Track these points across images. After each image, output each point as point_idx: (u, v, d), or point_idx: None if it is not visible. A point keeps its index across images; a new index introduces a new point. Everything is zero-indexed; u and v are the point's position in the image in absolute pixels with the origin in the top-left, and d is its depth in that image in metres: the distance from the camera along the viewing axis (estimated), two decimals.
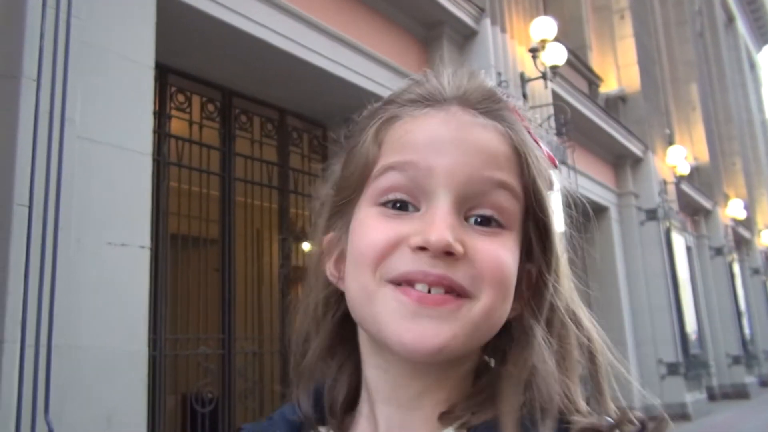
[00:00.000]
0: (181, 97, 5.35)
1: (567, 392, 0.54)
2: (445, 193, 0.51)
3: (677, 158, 12.47)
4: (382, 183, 0.53)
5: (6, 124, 2.98)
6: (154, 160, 4.26)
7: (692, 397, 11.02)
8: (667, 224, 11.54)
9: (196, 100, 5.51)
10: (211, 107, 5.64)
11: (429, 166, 0.51)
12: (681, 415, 10.57)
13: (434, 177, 0.51)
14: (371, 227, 0.52)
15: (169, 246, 5.16)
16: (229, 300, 5.60)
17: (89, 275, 3.56)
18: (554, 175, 0.62)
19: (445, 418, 0.51)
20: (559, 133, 8.15)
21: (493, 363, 0.55)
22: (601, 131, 10.53)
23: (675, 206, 12.13)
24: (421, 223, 0.50)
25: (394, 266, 0.50)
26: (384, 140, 0.54)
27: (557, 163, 0.66)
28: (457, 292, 0.50)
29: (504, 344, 0.56)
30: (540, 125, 7.80)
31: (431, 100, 0.55)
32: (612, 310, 10.76)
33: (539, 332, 0.54)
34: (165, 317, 4.92)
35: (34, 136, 3.01)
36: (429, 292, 0.49)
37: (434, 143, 0.52)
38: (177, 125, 5.35)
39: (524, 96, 7.68)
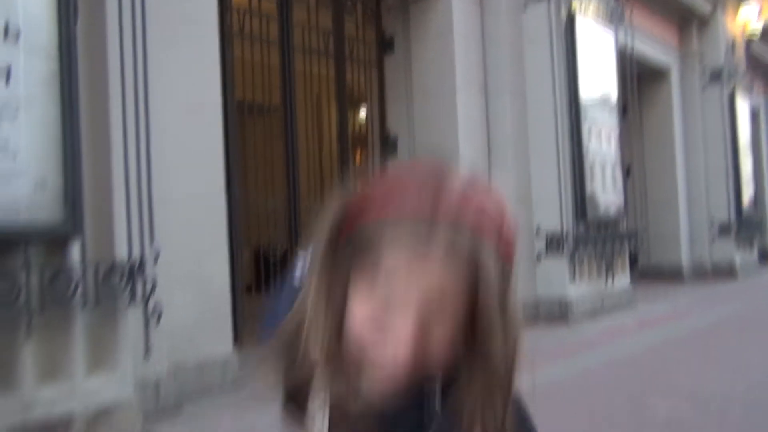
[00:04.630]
0: None
1: None
2: (410, 312, 0.69)
3: (749, 15, 11.84)
4: (373, 284, 0.71)
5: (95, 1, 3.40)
6: (218, 27, 4.63)
7: (742, 257, 11.27)
8: (732, 86, 11.23)
9: None
10: None
11: (402, 297, 0.69)
12: (728, 272, 10.91)
13: (403, 303, 0.69)
14: (359, 308, 0.72)
15: (236, 114, 5.61)
16: (293, 161, 6.11)
17: (172, 133, 4.09)
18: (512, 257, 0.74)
19: None
20: None
21: None
22: None
23: (742, 67, 11.71)
24: (386, 332, 0.70)
25: (365, 337, 0.72)
26: (377, 243, 0.70)
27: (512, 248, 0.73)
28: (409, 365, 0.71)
29: None
30: None
31: (414, 242, 0.68)
32: (667, 170, 10.87)
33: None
34: (236, 174, 5.46)
35: (119, 10, 3.43)
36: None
37: (406, 286, 0.69)
38: None
39: None
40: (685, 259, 10.90)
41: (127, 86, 3.47)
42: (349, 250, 0.71)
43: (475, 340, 0.71)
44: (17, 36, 2.96)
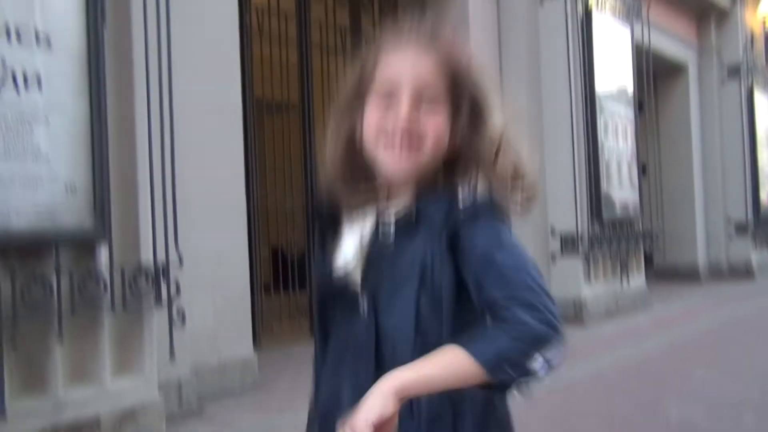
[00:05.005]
0: None
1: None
2: (406, 93, 0.97)
3: None
4: (377, 92, 1.00)
5: (121, 5, 3.42)
6: (238, 29, 4.65)
7: (759, 256, 11.20)
8: (750, 82, 11.12)
9: None
10: None
11: (398, 80, 0.98)
12: (745, 272, 10.85)
13: (400, 85, 0.98)
14: (371, 113, 1.00)
15: (255, 112, 5.65)
16: (310, 160, 6.13)
17: (193, 136, 4.13)
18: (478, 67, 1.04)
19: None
20: None
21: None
22: None
23: (761, 62, 11.60)
24: (394, 110, 0.98)
25: (381, 131, 0.99)
26: (377, 69, 1.01)
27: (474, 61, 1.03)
28: (414, 142, 0.98)
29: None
30: None
31: (401, 39, 1.01)
32: (683, 168, 10.79)
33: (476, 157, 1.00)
34: (255, 175, 5.51)
35: (144, 14, 3.46)
36: (398, 143, 0.98)
37: (398, 68, 0.98)
38: None
39: None
40: (701, 258, 10.83)
41: (151, 89, 3.50)
42: (362, 79, 1.01)
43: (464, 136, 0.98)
44: (48, 42, 3.00)
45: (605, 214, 7.10)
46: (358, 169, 1.03)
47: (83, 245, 3.10)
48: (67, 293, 2.99)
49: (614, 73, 7.57)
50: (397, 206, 1.00)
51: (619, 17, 7.61)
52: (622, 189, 7.60)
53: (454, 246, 0.94)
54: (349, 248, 1.02)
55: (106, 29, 3.23)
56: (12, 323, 2.79)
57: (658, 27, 9.44)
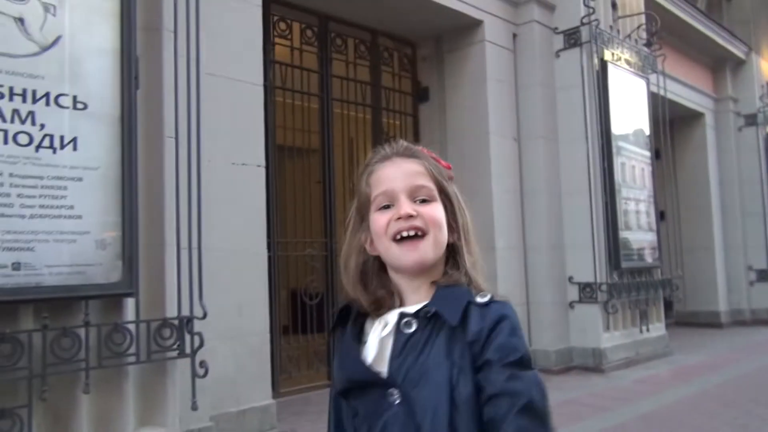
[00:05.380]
0: (282, 25, 5.86)
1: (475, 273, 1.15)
2: (403, 195, 1.12)
3: None
4: (377, 201, 1.14)
5: (153, 69, 3.61)
6: (262, 85, 4.84)
7: None
8: (767, 129, 11.17)
9: (296, 27, 6.00)
10: (309, 33, 6.12)
11: (392, 187, 1.12)
12: (767, 318, 10.70)
13: (395, 191, 1.12)
14: (377, 218, 1.13)
15: (276, 158, 5.80)
16: (330, 206, 6.26)
17: (219, 191, 4.29)
18: (451, 173, 1.20)
19: (433, 284, 1.12)
20: (648, 44, 8.04)
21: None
22: (700, 35, 10.17)
23: None
24: (396, 209, 1.11)
25: (391, 230, 1.11)
26: (371, 183, 1.15)
27: (450, 167, 1.21)
28: (419, 231, 1.10)
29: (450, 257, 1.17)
30: (629, 36, 7.76)
31: (383, 159, 1.16)
32: (702, 215, 10.78)
33: (463, 247, 1.16)
34: (275, 222, 5.64)
35: (175, 77, 3.64)
36: (408, 236, 1.10)
37: (391, 177, 1.13)
38: (280, 51, 5.89)
39: (614, 5, 7.61)
40: (722, 305, 10.72)
41: (180, 147, 3.66)
42: (360, 204, 1.16)
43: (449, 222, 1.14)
44: (85, 106, 3.18)
45: (624, 263, 7.10)
46: (372, 278, 1.16)
47: (111, 299, 3.22)
48: (95, 346, 3.10)
49: (631, 121, 7.66)
50: (416, 302, 1.11)
51: (634, 69, 7.74)
52: (640, 237, 7.61)
53: (475, 358, 1.05)
54: (374, 343, 1.11)
55: (139, 92, 3.40)
56: (42, 375, 2.90)
57: (675, 77, 9.58)
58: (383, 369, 1.07)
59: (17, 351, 2.82)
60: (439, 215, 1.12)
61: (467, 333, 1.05)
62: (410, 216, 1.09)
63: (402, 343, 1.07)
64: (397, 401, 1.04)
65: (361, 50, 6.65)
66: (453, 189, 1.17)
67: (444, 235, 1.12)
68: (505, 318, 1.06)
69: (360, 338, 1.14)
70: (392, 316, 1.11)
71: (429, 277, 1.13)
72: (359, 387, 1.10)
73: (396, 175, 1.12)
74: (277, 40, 5.82)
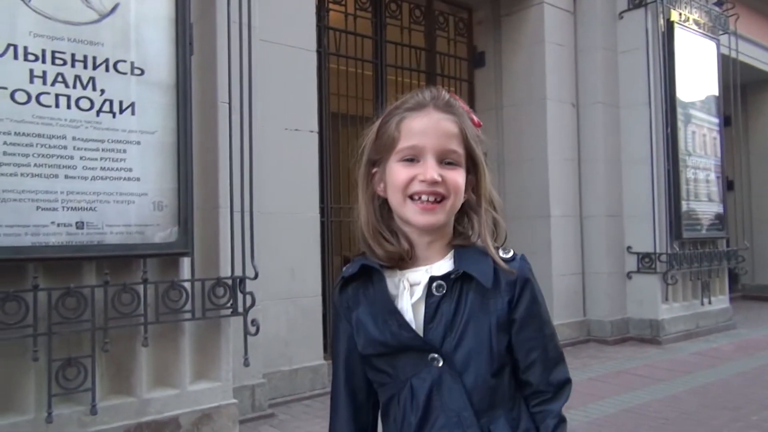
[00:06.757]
0: None
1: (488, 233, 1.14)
2: (431, 155, 1.08)
3: None
4: (403, 152, 1.10)
5: (207, 36, 3.69)
6: (315, 51, 4.87)
7: None
8: None
9: None
10: None
11: (423, 144, 1.08)
12: None
13: (425, 148, 1.08)
14: (399, 171, 1.10)
15: (330, 125, 5.85)
16: None
17: (272, 156, 4.38)
18: (482, 133, 1.17)
19: (448, 245, 1.14)
20: (720, 2, 7.61)
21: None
22: None
23: None
24: (422, 168, 1.08)
25: (411, 189, 1.08)
26: (401, 130, 1.10)
27: (480, 123, 1.17)
28: (439, 197, 1.08)
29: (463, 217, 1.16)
30: None
31: (419, 107, 1.11)
32: None
33: (476, 207, 1.14)
34: (329, 188, 5.71)
35: (228, 43, 3.71)
36: (426, 200, 1.08)
37: (423, 132, 1.09)
38: (334, 17, 5.89)
39: None
40: None
41: (233, 111, 3.74)
42: (381, 144, 1.12)
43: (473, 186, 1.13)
44: (142, 72, 3.28)
45: (686, 233, 6.88)
46: (383, 228, 1.14)
47: (168, 258, 3.36)
48: (153, 302, 3.25)
49: (699, 86, 7.33)
50: (427, 258, 1.13)
51: (704, 30, 7.37)
52: (705, 206, 7.33)
53: (510, 310, 1.12)
54: (408, 308, 1.11)
55: (194, 58, 3.49)
56: (104, 328, 3.07)
57: (749, 38, 9.06)
58: (419, 332, 1.10)
59: (81, 305, 2.99)
60: (461, 182, 1.10)
61: (499, 291, 1.10)
62: (435, 182, 1.07)
63: (434, 306, 1.09)
64: (440, 363, 1.08)
65: (415, 15, 6.57)
66: (479, 153, 1.13)
67: (460, 200, 1.11)
68: (529, 279, 1.13)
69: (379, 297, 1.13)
70: (416, 276, 1.12)
71: (440, 233, 1.13)
72: (394, 351, 1.11)
73: (430, 131, 1.08)
74: (331, 5, 5.81)
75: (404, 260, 1.13)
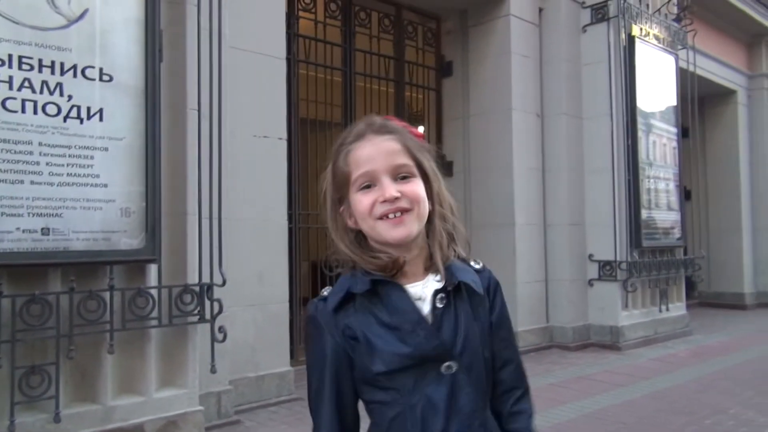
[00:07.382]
0: None
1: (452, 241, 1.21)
2: (384, 175, 1.14)
3: None
4: (358, 182, 1.15)
5: (177, 42, 3.69)
6: (285, 59, 4.90)
7: None
8: None
9: (320, 1, 6.01)
10: (333, 6, 6.14)
11: (373, 168, 1.14)
12: None
13: (377, 171, 1.14)
14: (361, 199, 1.15)
15: (299, 132, 5.88)
16: None
17: (241, 162, 4.39)
18: (426, 144, 1.23)
19: (428, 259, 1.20)
20: (678, 18, 7.88)
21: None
22: (735, 9, 9.90)
23: None
24: (380, 191, 1.13)
25: (376, 212, 1.14)
26: (350, 162, 1.16)
27: (421, 134, 1.23)
28: (404, 211, 1.14)
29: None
30: (658, 10, 7.61)
31: (359, 137, 1.18)
32: (731, 195, 10.60)
33: (438, 215, 1.20)
34: (298, 195, 5.74)
35: (198, 49, 3.73)
36: (393, 216, 1.13)
37: (369, 157, 1.15)
38: (304, 25, 5.93)
39: None
40: (747, 287, 10.60)
41: (202, 118, 3.75)
42: (338, 182, 1.17)
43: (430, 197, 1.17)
44: (110, 78, 3.28)
45: (645, 242, 7.08)
46: (367, 249, 1.18)
47: (135, 265, 3.35)
48: (119, 309, 3.24)
49: (658, 98, 7.56)
50: (414, 274, 1.18)
51: (663, 44, 7.61)
52: (664, 215, 7.55)
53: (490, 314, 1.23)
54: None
55: (163, 65, 3.49)
56: (69, 335, 3.05)
57: (706, 53, 9.37)
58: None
59: (46, 312, 2.97)
60: (420, 191, 1.15)
61: (483, 298, 1.20)
62: (395, 198, 1.11)
63: (440, 316, 1.15)
64: (453, 370, 1.14)
65: (385, 24, 6.65)
66: (428, 161, 1.19)
67: (426, 208, 1.16)
68: (498, 284, 1.26)
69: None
70: (415, 291, 1.16)
71: (417, 249, 1.18)
72: (416, 363, 1.13)
73: (375, 155, 1.14)
74: (301, 13, 5.85)
75: (397, 275, 1.17)
